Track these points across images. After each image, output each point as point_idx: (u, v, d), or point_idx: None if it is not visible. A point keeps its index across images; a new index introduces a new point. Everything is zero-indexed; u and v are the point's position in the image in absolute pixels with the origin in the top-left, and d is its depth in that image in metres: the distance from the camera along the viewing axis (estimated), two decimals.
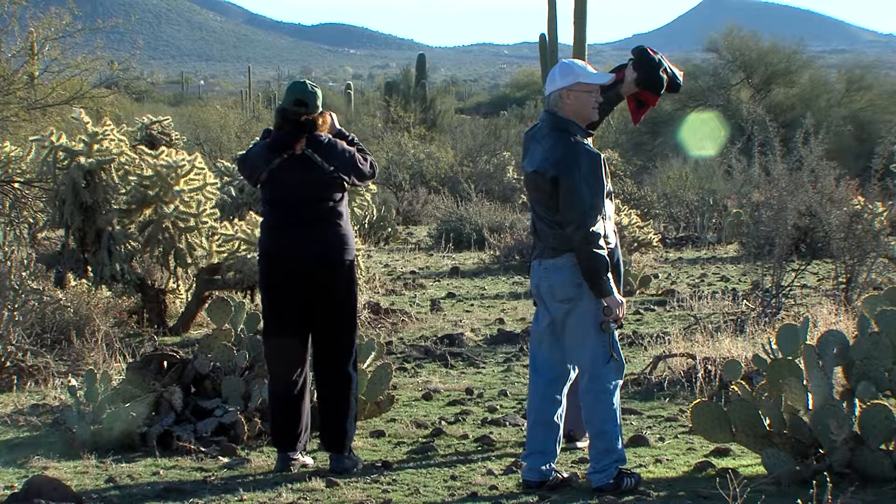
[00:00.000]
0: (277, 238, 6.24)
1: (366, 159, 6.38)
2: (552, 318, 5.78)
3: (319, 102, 6.29)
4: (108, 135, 10.95)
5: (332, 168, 6.19)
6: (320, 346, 6.30)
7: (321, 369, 6.32)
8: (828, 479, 5.23)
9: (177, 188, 10.90)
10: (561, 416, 5.87)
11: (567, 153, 5.61)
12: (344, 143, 6.34)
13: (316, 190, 6.20)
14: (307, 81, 6.41)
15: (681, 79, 6.20)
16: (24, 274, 9.36)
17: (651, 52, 6.11)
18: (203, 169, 11.19)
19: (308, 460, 6.33)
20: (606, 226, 5.68)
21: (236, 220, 11.42)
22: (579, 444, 6.57)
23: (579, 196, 5.56)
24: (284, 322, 6.27)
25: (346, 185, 6.31)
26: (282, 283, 6.24)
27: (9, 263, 9.30)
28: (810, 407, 5.80)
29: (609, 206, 5.74)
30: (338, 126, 6.47)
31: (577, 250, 5.58)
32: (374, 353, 7.50)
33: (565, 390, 5.90)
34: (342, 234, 6.23)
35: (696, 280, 15.40)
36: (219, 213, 11.49)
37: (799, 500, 5.03)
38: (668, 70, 6.10)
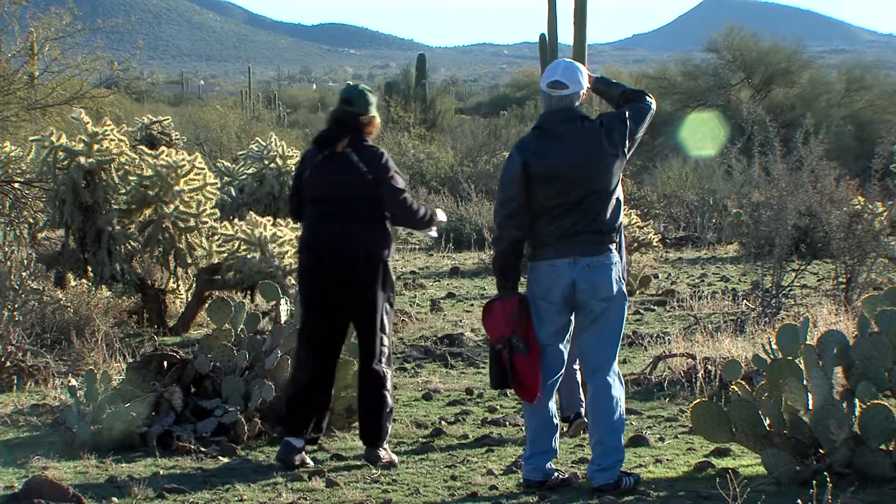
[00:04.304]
0: (313, 235, 6.42)
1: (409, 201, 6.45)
2: (569, 318, 5.77)
3: (369, 106, 6.46)
4: (108, 135, 10.95)
5: (365, 169, 6.30)
6: (358, 344, 6.47)
7: (357, 367, 6.51)
8: (828, 479, 5.23)
9: (177, 188, 10.91)
10: (557, 415, 5.89)
11: (617, 126, 5.76)
12: (396, 174, 6.38)
13: (351, 189, 6.32)
14: (359, 84, 6.70)
15: None
16: (24, 274, 9.37)
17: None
18: (203, 169, 11.20)
19: (308, 460, 6.35)
20: None
21: (236, 220, 11.42)
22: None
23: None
24: (315, 317, 6.41)
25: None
26: (315, 279, 6.40)
27: (9, 263, 9.31)
28: (810, 407, 5.79)
29: None
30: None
31: None
32: None
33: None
34: (374, 234, 6.35)
35: (696, 280, 15.40)
36: (219, 213, 11.50)
37: (799, 500, 5.03)
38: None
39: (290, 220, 12.20)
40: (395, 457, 6.43)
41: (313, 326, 6.43)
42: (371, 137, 6.46)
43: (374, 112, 6.48)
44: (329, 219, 6.35)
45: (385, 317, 6.43)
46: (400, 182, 6.40)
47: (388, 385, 6.47)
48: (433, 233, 6.83)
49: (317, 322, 6.42)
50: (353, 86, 6.63)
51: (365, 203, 6.32)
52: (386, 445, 6.45)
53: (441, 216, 6.66)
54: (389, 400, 6.46)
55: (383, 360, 6.44)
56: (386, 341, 6.46)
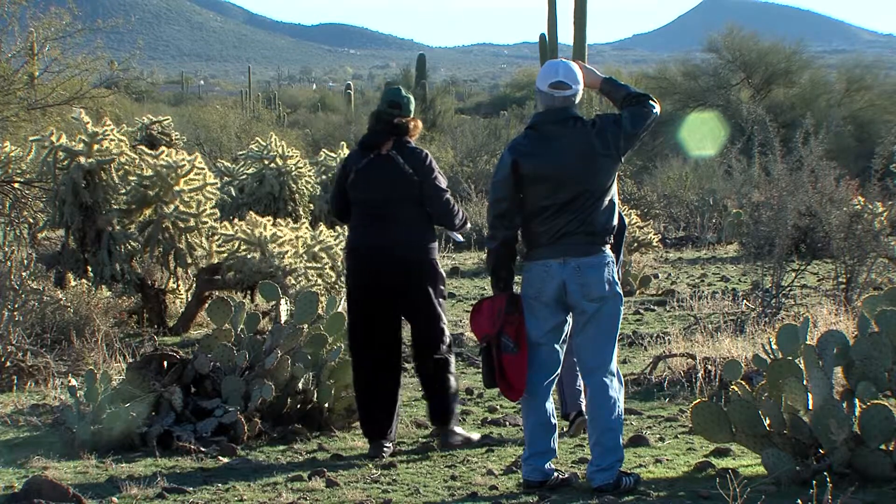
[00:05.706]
0: (359, 235, 6.59)
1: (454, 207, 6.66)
2: (564, 318, 5.77)
3: (412, 108, 6.60)
4: (108, 135, 10.97)
5: (411, 171, 6.45)
6: (413, 338, 6.68)
7: (416, 359, 6.71)
8: (828, 479, 5.23)
9: (177, 188, 10.91)
10: (555, 415, 5.89)
11: (610, 127, 5.75)
12: (439, 174, 6.57)
13: (395, 190, 6.47)
14: (401, 87, 6.78)
15: None
16: (24, 274, 9.37)
17: None
18: (203, 169, 11.21)
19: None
20: None
21: (236, 220, 11.42)
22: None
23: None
24: (363, 316, 6.56)
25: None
26: (362, 280, 6.56)
27: (9, 263, 9.30)
28: (810, 407, 5.79)
29: None
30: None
31: None
32: None
33: None
34: (420, 234, 6.51)
35: (696, 280, 15.41)
36: (219, 213, 11.51)
37: (799, 500, 5.03)
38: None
39: (292, 218, 12.20)
40: (473, 434, 6.73)
41: (363, 329, 6.57)
42: (414, 139, 6.60)
43: (413, 113, 6.64)
44: (376, 220, 6.50)
45: (440, 308, 6.61)
46: (443, 182, 6.58)
47: (452, 369, 6.69)
48: (460, 237, 7.05)
49: (366, 324, 6.56)
50: (397, 89, 6.73)
51: (411, 204, 6.48)
52: (458, 426, 6.72)
53: (468, 223, 6.88)
54: (454, 382, 6.69)
55: (443, 347, 6.62)
56: (446, 330, 6.66)
